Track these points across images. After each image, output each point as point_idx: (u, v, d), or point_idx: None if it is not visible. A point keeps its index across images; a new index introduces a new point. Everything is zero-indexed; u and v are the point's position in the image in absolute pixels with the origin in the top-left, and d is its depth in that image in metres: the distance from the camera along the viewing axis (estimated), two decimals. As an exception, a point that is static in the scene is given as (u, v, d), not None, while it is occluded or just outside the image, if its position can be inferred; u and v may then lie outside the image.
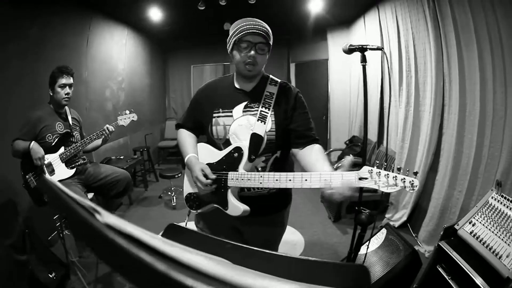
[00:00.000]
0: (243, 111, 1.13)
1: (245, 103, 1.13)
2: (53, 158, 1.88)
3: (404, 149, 2.67)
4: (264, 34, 1.05)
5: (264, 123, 1.09)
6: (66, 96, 1.92)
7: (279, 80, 1.19)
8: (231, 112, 1.14)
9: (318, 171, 0.94)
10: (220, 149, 1.16)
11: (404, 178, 0.79)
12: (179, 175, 3.44)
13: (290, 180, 0.96)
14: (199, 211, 1.21)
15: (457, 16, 2.07)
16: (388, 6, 2.93)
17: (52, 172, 1.86)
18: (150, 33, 4.72)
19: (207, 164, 1.13)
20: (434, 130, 2.36)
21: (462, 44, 2.06)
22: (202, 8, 3.40)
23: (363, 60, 1.08)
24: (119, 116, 2.16)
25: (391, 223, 2.70)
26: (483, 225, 1.29)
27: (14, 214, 2.20)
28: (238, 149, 1.08)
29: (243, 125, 1.12)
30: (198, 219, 1.30)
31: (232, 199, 1.09)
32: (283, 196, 1.22)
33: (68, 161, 1.91)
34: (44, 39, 2.70)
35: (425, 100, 2.46)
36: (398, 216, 2.75)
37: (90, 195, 2.10)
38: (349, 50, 1.10)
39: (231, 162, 1.09)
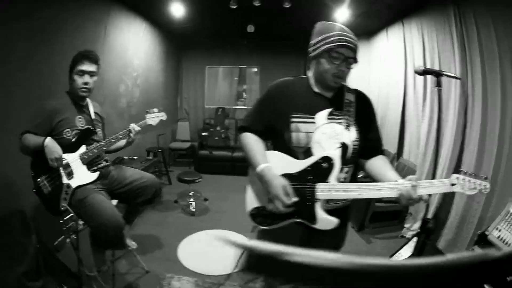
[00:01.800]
0: (328, 118, 1.13)
1: (329, 109, 1.13)
2: (72, 159, 1.65)
3: (426, 163, 2.99)
4: (356, 49, 1.08)
5: (350, 132, 1.12)
6: (84, 86, 1.69)
7: (353, 88, 1.23)
8: (313, 118, 1.12)
9: (392, 180, 1.05)
10: (297, 158, 1.14)
11: (480, 183, 1.00)
12: (200, 180, 3.54)
13: (393, 189, 0.99)
14: (272, 227, 1.16)
15: (483, 41, 2.39)
16: (414, 23, 3.26)
17: (70, 175, 1.65)
18: (167, 29, 4.79)
19: (284, 174, 1.11)
20: (455, 146, 2.69)
21: (486, 68, 2.39)
22: (234, 7, 3.44)
23: (438, 84, 1.20)
24: (147, 114, 1.99)
25: (410, 232, 3.03)
26: (507, 230, 1.61)
27: (26, 229, 1.92)
28: (328, 159, 1.07)
29: (327, 133, 1.11)
30: (262, 235, 1.24)
31: (321, 213, 1.08)
32: (351, 209, 1.28)
33: (89, 163, 1.72)
34: (58, 20, 2.58)
35: (448, 117, 2.78)
36: (417, 226, 3.06)
37: (114, 202, 1.95)
38: (423, 72, 1.21)
39: (319, 172, 1.08)
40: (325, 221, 1.09)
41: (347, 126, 1.12)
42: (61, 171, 1.63)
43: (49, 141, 1.55)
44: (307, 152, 1.13)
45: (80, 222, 1.98)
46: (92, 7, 3.09)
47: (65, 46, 2.58)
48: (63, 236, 2.67)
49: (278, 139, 1.18)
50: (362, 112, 1.18)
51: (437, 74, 1.20)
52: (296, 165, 1.12)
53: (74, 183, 1.65)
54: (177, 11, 3.87)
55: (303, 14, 3.75)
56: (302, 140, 1.12)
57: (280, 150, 1.18)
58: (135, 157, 3.82)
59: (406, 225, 3.16)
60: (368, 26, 4.20)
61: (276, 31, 4.85)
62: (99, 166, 1.79)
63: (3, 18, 2.07)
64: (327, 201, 1.14)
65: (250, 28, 4.33)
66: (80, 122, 1.72)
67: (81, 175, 1.67)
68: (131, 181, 1.83)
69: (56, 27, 2.57)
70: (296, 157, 1.14)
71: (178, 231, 2.90)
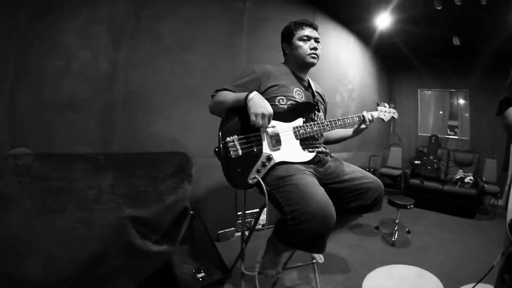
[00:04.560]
0: None
1: None
2: (283, 128, 1.41)
3: None
4: None
5: None
6: (313, 51, 1.53)
7: None
8: None
9: None
10: None
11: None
12: (411, 206, 3.28)
13: None
14: None
15: None
16: None
17: (276, 144, 1.39)
18: (375, 45, 4.74)
19: None
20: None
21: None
22: (439, 8, 3.21)
23: None
24: (379, 106, 1.79)
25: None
26: None
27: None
28: None
29: None
30: None
31: None
32: None
33: (303, 141, 1.46)
34: (259, 17, 2.93)
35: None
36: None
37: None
38: None
39: None
40: None
41: None
42: (264, 136, 1.38)
43: (256, 94, 1.33)
44: None
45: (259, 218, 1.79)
46: (296, 10, 3.40)
47: (268, 38, 2.99)
48: (232, 229, 2.83)
49: None
50: None
51: None
52: None
53: (278, 156, 1.38)
54: (383, 22, 3.84)
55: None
56: None
57: None
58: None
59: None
60: None
61: (481, 43, 4.26)
62: (317, 149, 1.51)
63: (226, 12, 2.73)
64: None
65: (456, 41, 3.97)
66: (298, 95, 1.52)
67: (290, 151, 1.40)
68: (351, 178, 1.46)
69: (260, 21, 2.99)
70: None
71: (371, 259, 2.77)
